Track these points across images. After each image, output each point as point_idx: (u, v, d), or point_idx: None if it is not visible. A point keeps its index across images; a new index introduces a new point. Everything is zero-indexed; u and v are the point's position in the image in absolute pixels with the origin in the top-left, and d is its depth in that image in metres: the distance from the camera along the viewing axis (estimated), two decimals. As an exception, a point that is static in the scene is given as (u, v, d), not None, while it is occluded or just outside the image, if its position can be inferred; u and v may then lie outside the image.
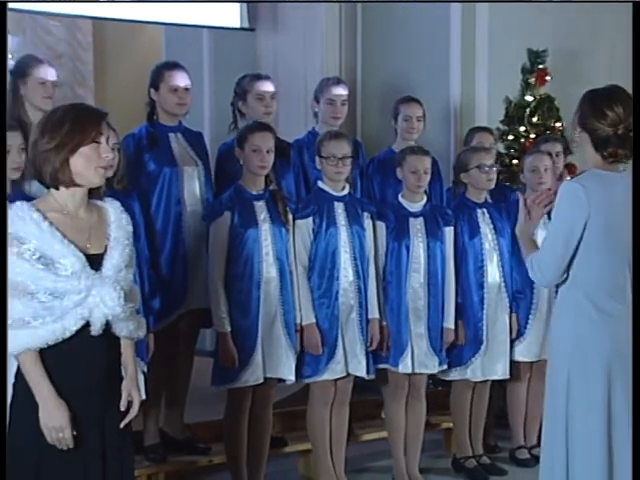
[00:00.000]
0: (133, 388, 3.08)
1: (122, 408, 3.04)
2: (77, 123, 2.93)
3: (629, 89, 3.45)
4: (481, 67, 6.38)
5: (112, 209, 3.05)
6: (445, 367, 5.04)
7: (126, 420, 3.05)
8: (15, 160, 3.89)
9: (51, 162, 2.92)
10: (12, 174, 3.93)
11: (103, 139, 2.96)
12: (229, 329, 4.44)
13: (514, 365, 5.26)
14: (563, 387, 3.37)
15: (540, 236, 3.88)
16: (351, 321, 4.69)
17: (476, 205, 5.16)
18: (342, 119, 5.26)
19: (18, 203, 2.92)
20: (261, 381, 4.50)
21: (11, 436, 2.96)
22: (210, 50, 7.29)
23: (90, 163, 2.93)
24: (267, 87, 4.97)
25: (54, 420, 2.89)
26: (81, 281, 2.89)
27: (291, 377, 4.59)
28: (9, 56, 8.69)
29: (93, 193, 3.03)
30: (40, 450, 2.92)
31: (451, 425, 5.40)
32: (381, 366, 4.88)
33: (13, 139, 3.90)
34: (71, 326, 2.89)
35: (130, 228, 3.06)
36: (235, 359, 4.43)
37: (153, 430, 4.69)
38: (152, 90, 4.69)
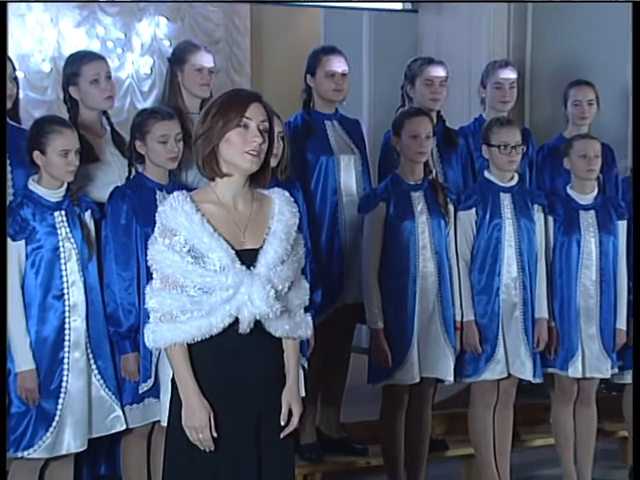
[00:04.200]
0: (293, 399, 2.96)
1: (282, 422, 2.94)
2: (222, 108, 2.87)
3: None
4: (665, 44, 6.01)
5: (278, 200, 2.96)
6: (616, 370, 4.76)
7: (286, 432, 2.95)
8: (172, 150, 3.86)
9: (201, 151, 2.88)
10: (169, 164, 3.92)
11: (252, 123, 2.86)
12: (382, 325, 4.35)
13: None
14: None
15: None
16: (514, 319, 4.50)
17: (658, 196, 4.85)
18: (511, 103, 5.09)
19: (175, 193, 2.88)
20: (417, 380, 4.38)
21: (168, 433, 2.96)
22: (370, 33, 7.25)
23: (237, 148, 2.85)
24: (437, 72, 4.86)
25: (194, 419, 2.84)
26: (229, 277, 2.80)
27: (449, 377, 4.45)
28: (167, 43, 8.88)
29: (257, 183, 2.94)
30: (192, 450, 2.86)
31: (627, 434, 5.15)
32: (549, 370, 4.67)
33: (170, 128, 3.88)
34: (218, 323, 2.82)
35: (295, 220, 2.95)
36: (388, 357, 4.33)
37: (310, 429, 4.65)
38: (308, 76, 4.63)
